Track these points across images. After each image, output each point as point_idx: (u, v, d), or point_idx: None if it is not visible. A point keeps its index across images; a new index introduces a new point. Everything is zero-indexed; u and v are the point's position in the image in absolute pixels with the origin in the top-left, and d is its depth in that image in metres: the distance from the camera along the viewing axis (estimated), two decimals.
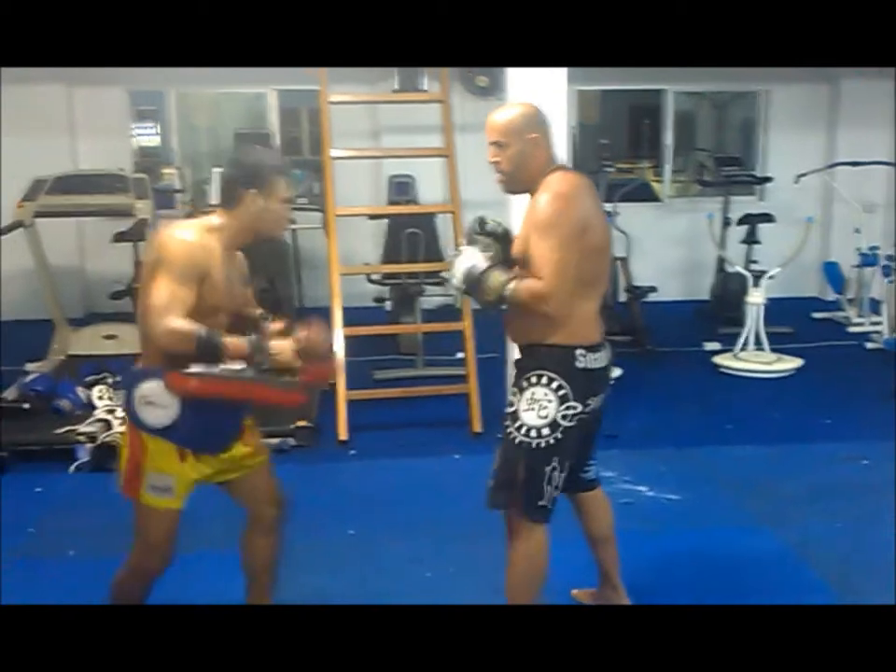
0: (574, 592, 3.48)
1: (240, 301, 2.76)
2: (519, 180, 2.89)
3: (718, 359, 6.58)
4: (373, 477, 4.74)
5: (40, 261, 6.47)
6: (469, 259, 2.87)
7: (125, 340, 5.92)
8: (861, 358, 6.81)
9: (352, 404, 5.23)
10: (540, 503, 2.87)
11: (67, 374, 5.72)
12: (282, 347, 2.63)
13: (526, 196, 2.92)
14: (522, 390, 2.86)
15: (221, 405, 2.65)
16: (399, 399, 5.54)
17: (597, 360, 2.86)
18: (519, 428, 2.84)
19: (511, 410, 2.88)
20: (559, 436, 2.82)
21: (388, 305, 7.23)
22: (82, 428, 4.86)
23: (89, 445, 4.74)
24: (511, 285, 2.78)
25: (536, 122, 2.89)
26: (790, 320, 7.42)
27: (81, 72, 7.64)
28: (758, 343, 6.56)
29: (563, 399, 2.80)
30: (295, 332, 2.69)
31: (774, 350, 6.55)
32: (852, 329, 7.61)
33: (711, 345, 6.98)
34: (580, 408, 2.83)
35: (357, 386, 5.43)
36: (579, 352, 2.82)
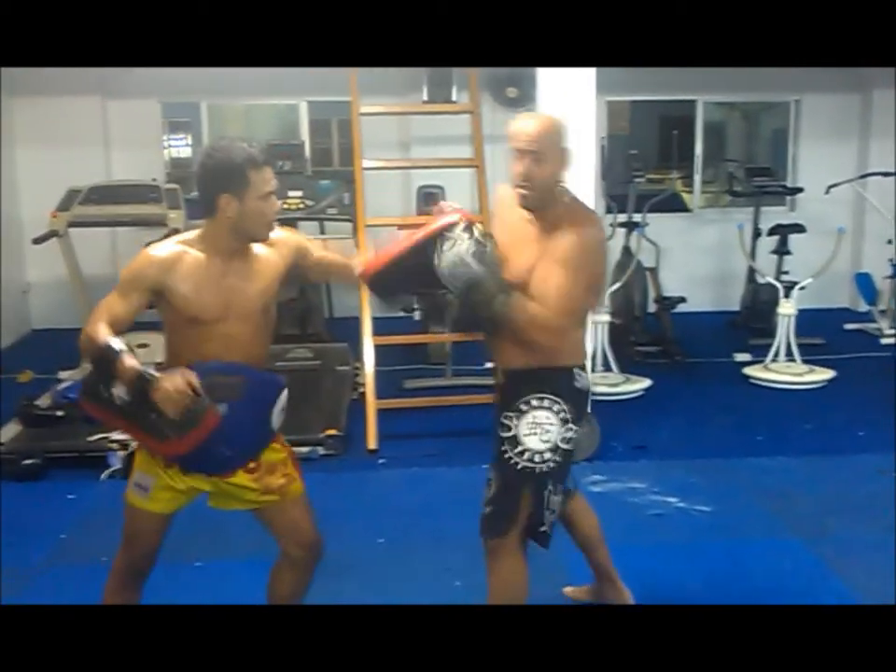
0: (566, 589, 3.48)
1: (250, 309, 2.60)
2: (543, 197, 2.71)
3: (748, 370, 6.53)
4: (402, 486, 4.75)
5: (73, 270, 6.55)
6: (463, 252, 2.63)
7: (157, 348, 5.96)
8: (893, 370, 6.74)
9: (381, 413, 5.25)
10: (542, 529, 2.84)
11: None
12: (166, 392, 2.33)
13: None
14: (522, 413, 2.76)
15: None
16: (427, 409, 5.55)
17: (587, 379, 2.86)
18: (521, 454, 2.75)
19: (508, 434, 2.78)
20: (558, 459, 2.77)
21: (417, 315, 7.24)
22: (114, 436, 4.90)
23: (121, 453, 4.78)
24: (510, 299, 2.64)
25: (565, 134, 2.74)
26: (821, 331, 7.37)
27: (115, 84, 7.76)
28: (789, 354, 6.51)
29: (564, 422, 2.76)
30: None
31: (805, 361, 6.50)
32: (884, 341, 7.53)
33: (742, 356, 6.93)
34: (576, 429, 2.80)
35: (387, 395, 5.45)
36: (576, 371, 2.80)
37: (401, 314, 7.06)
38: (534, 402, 2.74)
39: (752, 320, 7.69)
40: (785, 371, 6.41)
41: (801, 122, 8.82)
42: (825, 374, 6.39)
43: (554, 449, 2.75)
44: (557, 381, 2.76)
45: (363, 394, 5.39)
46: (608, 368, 6.10)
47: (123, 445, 4.80)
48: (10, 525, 4.11)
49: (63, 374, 6.22)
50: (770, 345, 6.58)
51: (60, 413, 5.28)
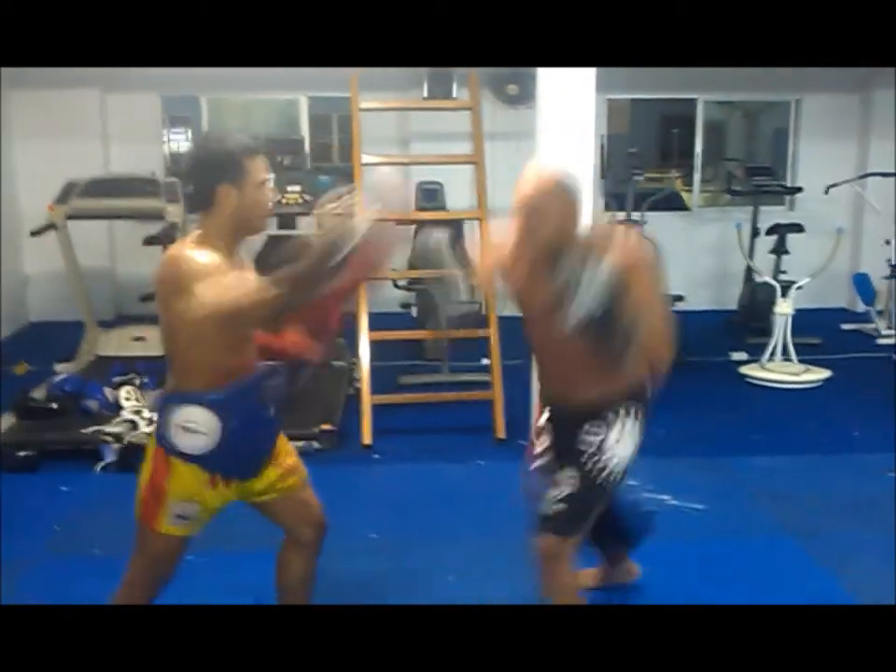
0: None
1: None
2: (541, 249, 2.76)
3: (745, 369, 6.54)
4: (396, 481, 4.75)
5: (71, 263, 6.54)
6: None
7: (153, 342, 5.97)
8: (889, 370, 6.74)
9: (376, 408, 5.24)
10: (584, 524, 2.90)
11: (96, 375, 5.77)
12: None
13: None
14: (609, 423, 2.82)
15: (262, 426, 2.60)
16: (423, 405, 5.55)
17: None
18: (607, 464, 2.80)
19: (596, 440, 2.81)
20: (630, 465, 2.87)
21: (414, 311, 7.25)
22: (109, 429, 4.91)
23: (115, 445, 4.79)
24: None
25: (561, 192, 2.75)
26: (818, 331, 7.38)
27: (115, 77, 7.75)
28: (786, 353, 6.52)
29: (642, 431, 2.89)
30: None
31: (802, 361, 6.51)
32: (881, 341, 7.54)
33: (738, 355, 6.94)
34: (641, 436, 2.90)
35: (382, 391, 5.44)
36: (646, 382, 2.90)
37: (399, 309, 7.09)
38: (621, 411, 2.83)
39: (750, 319, 7.70)
40: (781, 371, 6.41)
41: (801, 122, 8.82)
42: (821, 374, 6.39)
43: (633, 456, 2.87)
44: (637, 392, 2.88)
45: (359, 389, 5.39)
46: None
47: (117, 438, 4.81)
48: (4, 517, 4.11)
49: (58, 367, 6.21)
50: (767, 344, 6.58)
51: (55, 406, 5.27)
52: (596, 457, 2.80)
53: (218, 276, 2.34)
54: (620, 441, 2.80)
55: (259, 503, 2.75)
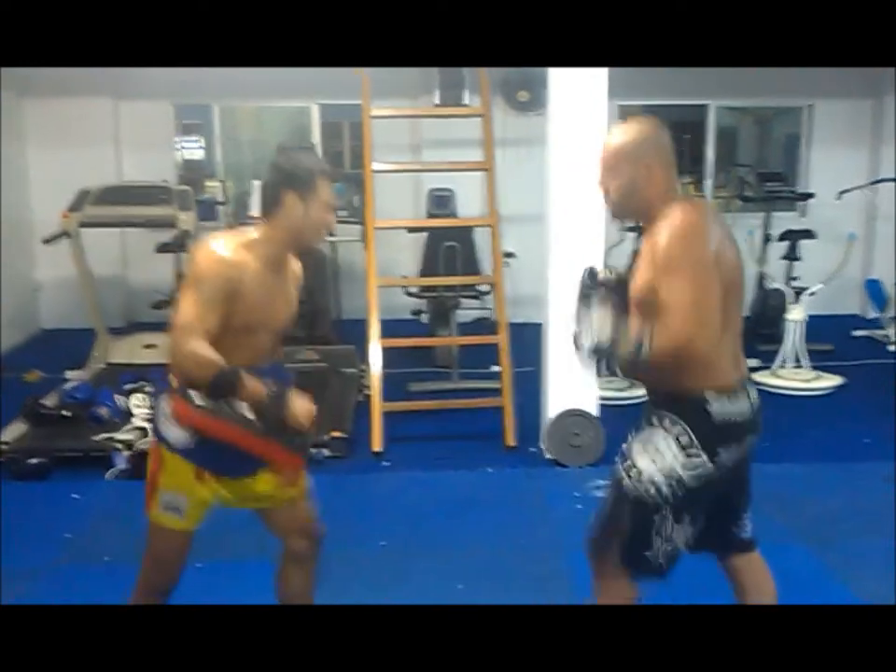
0: None
1: (284, 319, 2.65)
2: (628, 209, 2.61)
3: (756, 376, 6.49)
4: (407, 489, 4.75)
5: (83, 271, 6.57)
6: (596, 324, 2.58)
7: (164, 349, 5.97)
8: None
9: (387, 416, 5.25)
10: (647, 553, 2.56)
11: (107, 382, 5.79)
12: (303, 410, 2.49)
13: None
14: (639, 430, 2.58)
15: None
16: (433, 412, 5.56)
17: (733, 406, 2.51)
18: (630, 470, 2.52)
19: (624, 447, 2.59)
20: (675, 489, 2.48)
21: (425, 318, 7.25)
22: (120, 436, 4.93)
23: (126, 453, 4.80)
24: (643, 350, 2.43)
25: (650, 147, 2.62)
26: (830, 338, 7.34)
27: (127, 85, 7.80)
28: (797, 360, 6.50)
29: (684, 449, 2.47)
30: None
31: (813, 368, 6.48)
32: (893, 348, 7.50)
33: (750, 362, 6.88)
34: (705, 461, 2.47)
35: (393, 398, 5.45)
36: (709, 395, 2.47)
37: (410, 316, 7.09)
38: (653, 421, 2.54)
39: (761, 326, 7.66)
40: (793, 378, 6.39)
41: (813, 128, 8.80)
42: (833, 381, 6.37)
43: (671, 475, 2.47)
44: (683, 404, 2.49)
45: (369, 396, 5.40)
46: (614, 373, 6.09)
47: (128, 445, 4.83)
48: (15, 525, 4.13)
49: (69, 374, 6.24)
50: (778, 351, 6.56)
51: (66, 413, 5.29)
52: (620, 464, 2.57)
53: (208, 302, 2.41)
54: (644, 454, 2.50)
55: (259, 510, 2.76)
